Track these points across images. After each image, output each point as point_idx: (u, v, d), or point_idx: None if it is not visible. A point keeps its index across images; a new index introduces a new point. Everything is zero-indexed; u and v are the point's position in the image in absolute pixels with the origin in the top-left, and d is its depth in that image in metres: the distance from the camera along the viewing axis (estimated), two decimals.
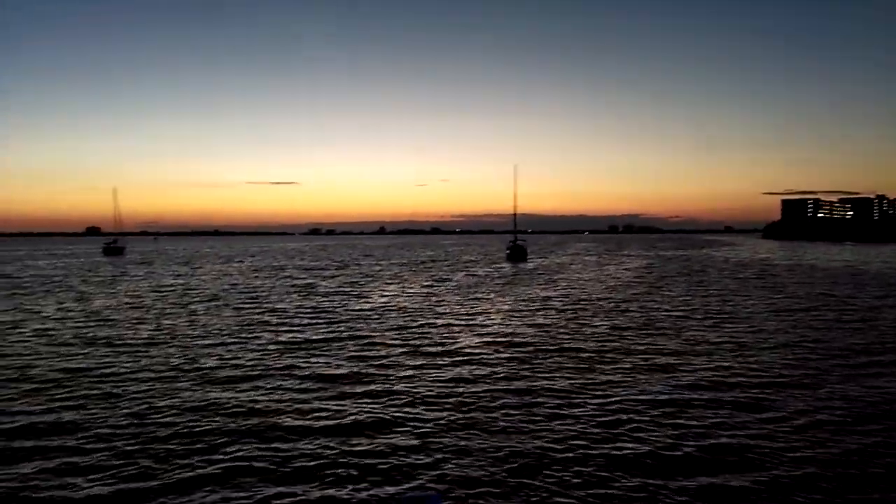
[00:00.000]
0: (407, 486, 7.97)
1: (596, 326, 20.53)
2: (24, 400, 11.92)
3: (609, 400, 11.70)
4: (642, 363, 14.91)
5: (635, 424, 10.26)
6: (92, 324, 22.03)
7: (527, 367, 14.58)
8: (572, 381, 13.10)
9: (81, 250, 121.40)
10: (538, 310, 25.17)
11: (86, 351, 16.86)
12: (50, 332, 20.14)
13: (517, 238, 79.60)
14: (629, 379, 13.36)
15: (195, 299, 30.35)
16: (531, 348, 16.79)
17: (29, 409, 11.24)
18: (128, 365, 14.98)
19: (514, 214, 79.67)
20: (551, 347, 16.86)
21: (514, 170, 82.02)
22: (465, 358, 15.62)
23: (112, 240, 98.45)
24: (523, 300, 28.96)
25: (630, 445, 9.30)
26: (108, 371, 14.35)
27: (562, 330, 19.87)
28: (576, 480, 8.08)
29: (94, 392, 12.48)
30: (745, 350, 16.42)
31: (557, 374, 13.75)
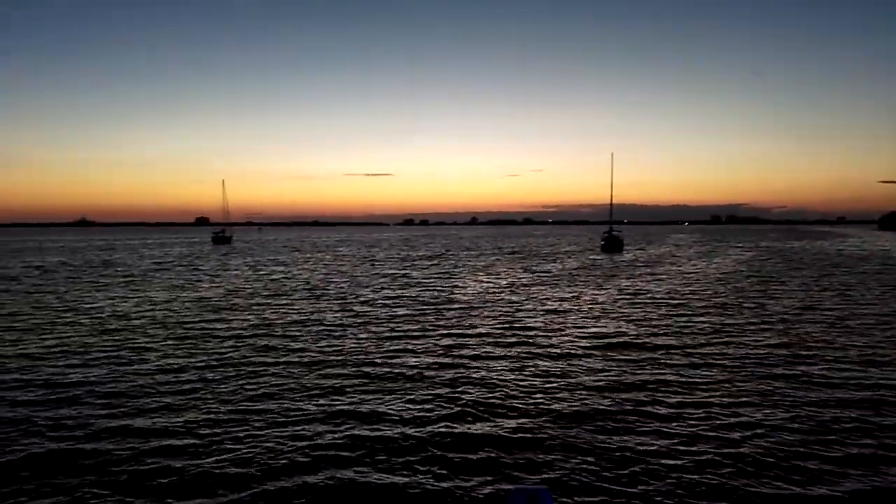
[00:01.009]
0: (515, 477, 7.84)
1: (702, 323, 19.62)
2: (134, 385, 12.61)
3: (722, 401, 11.09)
4: (757, 365, 14.07)
5: (755, 430, 9.66)
6: (198, 311, 23.13)
7: (629, 363, 14.09)
8: (680, 380, 12.52)
9: (192, 240, 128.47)
10: (638, 303, 24.36)
11: (190, 339, 17.68)
12: (161, 319, 21.29)
13: (612, 229, 77.72)
14: (744, 381, 12.63)
15: (295, 288, 31.37)
16: (632, 344, 16.22)
17: (141, 394, 11.88)
18: (228, 353, 15.59)
19: (611, 204, 77.70)
20: (654, 344, 16.23)
21: (610, 158, 79.45)
22: (562, 351, 15.29)
23: (220, 229, 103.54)
24: (621, 293, 28.13)
25: (753, 451, 8.75)
26: (209, 359, 14.98)
27: (665, 326, 19.11)
28: (694, 486, 7.67)
29: (194, 382, 13.02)
30: (879, 358, 15.20)
31: (663, 372, 13.19)
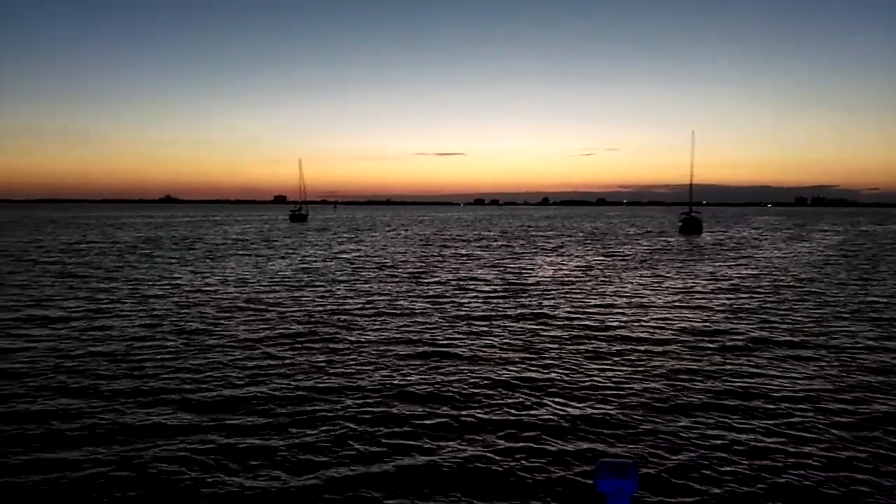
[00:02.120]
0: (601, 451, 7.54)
1: (791, 312, 18.55)
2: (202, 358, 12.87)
3: (824, 398, 10.36)
4: (859, 360, 13.14)
5: (860, 432, 8.96)
6: (273, 287, 23.58)
7: (713, 353, 13.40)
8: (773, 373, 11.80)
9: (271, 217, 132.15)
10: (720, 290, 23.30)
11: (265, 315, 17.98)
12: (239, 294, 21.80)
13: (692, 210, 75.17)
14: (848, 376, 11.79)
15: (367, 266, 31.65)
16: (717, 333, 15.44)
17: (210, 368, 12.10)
18: (299, 329, 15.76)
19: (690, 184, 75.11)
20: (740, 333, 15.40)
21: (691, 136, 76.34)
22: (642, 339, 14.68)
23: (297, 207, 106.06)
24: (701, 278, 27.01)
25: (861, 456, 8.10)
26: (283, 334, 15.16)
27: (751, 314, 18.16)
28: (791, 489, 7.14)
29: (259, 358, 13.17)
30: None
31: (751, 363, 12.47)
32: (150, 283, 24.55)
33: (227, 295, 21.42)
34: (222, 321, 16.64)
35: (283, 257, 36.84)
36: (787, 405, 9.93)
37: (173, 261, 33.98)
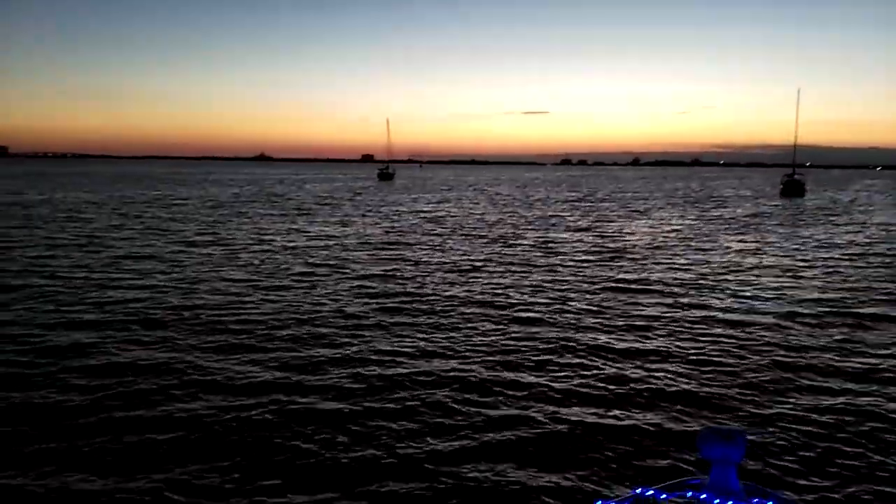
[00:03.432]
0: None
1: None
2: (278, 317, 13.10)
3: None
4: None
5: None
6: (360, 246, 23.89)
7: (825, 327, 12.49)
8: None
9: (359, 175, 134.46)
10: (827, 258, 21.80)
11: (351, 273, 18.19)
12: (327, 251, 22.19)
13: (795, 171, 70.82)
14: None
15: (452, 227, 31.62)
16: (825, 304, 14.41)
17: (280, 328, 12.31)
18: (384, 287, 15.83)
19: (794, 145, 70.75)
20: (857, 305, 14.29)
21: (796, 94, 71.10)
22: (747, 307, 13.86)
23: (385, 166, 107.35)
24: (805, 244, 25.38)
25: None
26: (370, 294, 15.27)
27: (867, 285, 16.86)
28: None
29: (361, 316, 13.29)
30: None
31: (878, 339, 11.55)
32: (240, 238, 25.41)
33: (317, 252, 21.86)
34: (314, 279, 16.98)
35: (367, 216, 37.36)
36: None
37: (266, 215, 35.09)
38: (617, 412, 8.17)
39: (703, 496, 1.92)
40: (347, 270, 18.16)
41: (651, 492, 1.96)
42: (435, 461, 6.82)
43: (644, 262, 20.46)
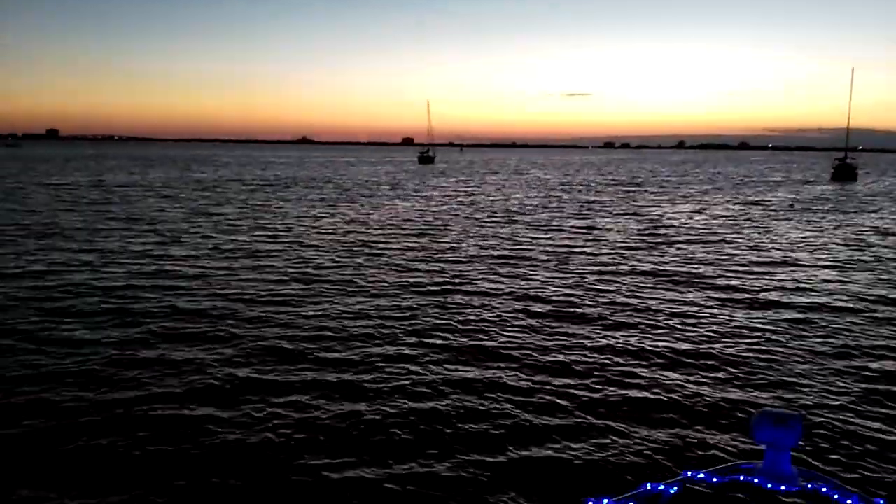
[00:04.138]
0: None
1: None
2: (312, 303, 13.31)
3: None
4: None
5: None
6: (401, 230, 24.04)
7: (880, 314, 12.18)
8: None
9: (400, 159, 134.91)
10: (884, 246, 21.14)
11: (378, 259, 18.33)
12: (371, 233, 22.42)
13: (847, 155, 68.49)
14: None
15: (495, 211, 31.60)
16: (876, 297, 14.02)
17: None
18: (424, 273, 15.94)
19: (847, 128, 68.38)
20: None
21: (850, 74, 68.42)
22: (795, 301, 13.60)
23: (425, 150, 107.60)
24: (860, 231, 24.63)
25: None
26: (416, 278, 15.40)
27: None
28: None
29: (366, 306, 13.42)
30: None
31: None
32: (286, 219, 25.84)
33: (357, 236, 22.12)
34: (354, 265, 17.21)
35: (407, 199, 37.54)
36: None
37: (310, 199, 35.56)
38: (670, 395, 8.21)
39: (756, 480, 1.88)
40: (377, 256, 18.30)
41: (702, 475, 1.93)
42: (510, 444, 6.93)
43: (688, 250, 20.12)
